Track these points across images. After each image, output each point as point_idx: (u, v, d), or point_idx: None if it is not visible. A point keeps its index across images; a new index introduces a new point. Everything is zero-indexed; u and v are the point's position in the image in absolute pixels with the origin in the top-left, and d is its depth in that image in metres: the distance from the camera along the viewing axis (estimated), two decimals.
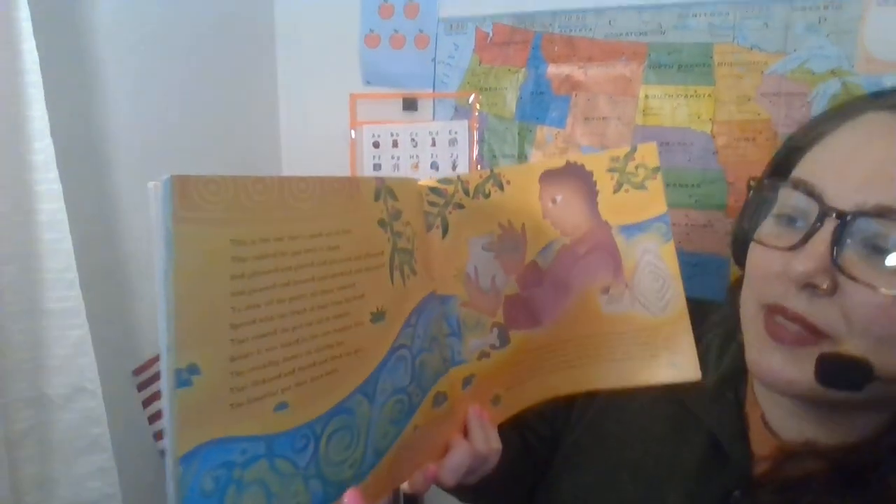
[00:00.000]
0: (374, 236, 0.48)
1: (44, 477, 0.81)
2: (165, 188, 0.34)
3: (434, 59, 1.15)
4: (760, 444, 0.58)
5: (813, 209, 0.49)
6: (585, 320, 0.60)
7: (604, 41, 1.06)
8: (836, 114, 0.55)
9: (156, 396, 1.02)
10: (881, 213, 0.46)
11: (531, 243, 0.60)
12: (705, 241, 1.03)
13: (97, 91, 0.91)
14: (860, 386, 0.47)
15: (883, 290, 0.46)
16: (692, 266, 0.99)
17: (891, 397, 0.50)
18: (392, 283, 0.49)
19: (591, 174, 0.59)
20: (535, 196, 0.60)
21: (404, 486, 0.53)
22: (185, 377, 0.35)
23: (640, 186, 0.59)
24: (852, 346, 0.48)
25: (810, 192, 0.50)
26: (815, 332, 0.49)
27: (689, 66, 1.02)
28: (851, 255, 0.48)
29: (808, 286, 0.49)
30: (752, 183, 0.57)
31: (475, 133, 1.14)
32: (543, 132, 1.11)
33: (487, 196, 0.59)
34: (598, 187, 0.59)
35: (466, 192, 0.59)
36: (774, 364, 0.52)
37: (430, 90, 1.16)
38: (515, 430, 0.69)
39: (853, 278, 0.47)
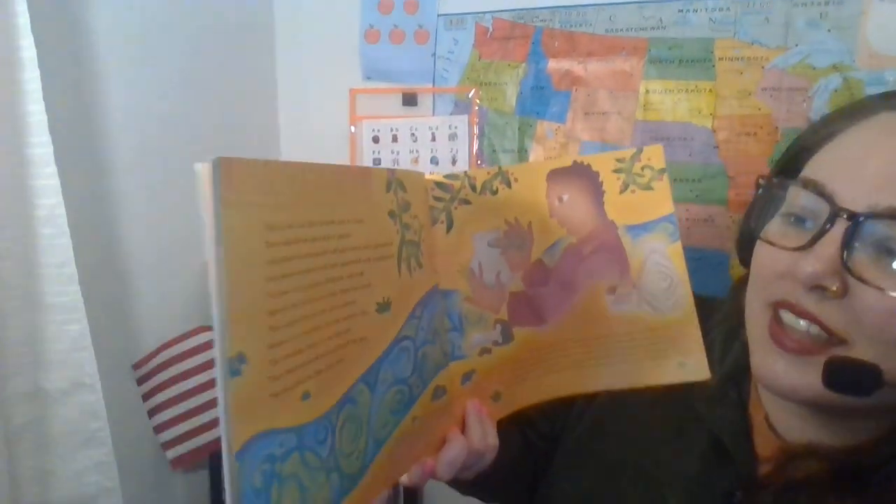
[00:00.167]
0: (384, 227, 0.48)
1: (43, 471, 0.81)
2: (215, 171, 0.33)
3: (434, 55, 1.15)
4: (764, 445, 0.58)
5: (823, 209, 0.49)
6: (591, 320, 0.60)
7: (604, 36, 1.06)
8: (847, 113, 0.54)
9: (156, 390, 1.02)
10: (894, 215, 0.45)
11: (537, 241, 0.60)
12: (706, 236, 1.03)
13: (95, 88, 0.91)
14: (869, 392, 0.46)
15: (894, 293, 0.45)
16: (693, 261, 0.98)
17: None
18: (399, 274, 0.49)
19: (597, 174, 0.59)
20: (543, 194, 0.59)
21: (403, 478, 0.53)
22: (235, 367, 0.34)
23: (647, 187, 0.58)
24: (861, 351, 0.47)
25: (821, 192, 0.49)
26: (826, 332, 0.48)
27: (689, 61, 1.01)
28: (862, 258, 0.47)
29: (817, 288, 0.48)
30: (761, 181, 0.56)
31: (475, 128, 1.14)
32: (544, 127, 1.11)
33: (495, 193, 0.59)
34: (604, 187, 0.59)
35: (473, 189, 0.59)
36: (778, 370, 0.51)
37: (430, 85, 1.16)
38: (516, 427, 0.69)
39: (864, 281, 0.46)
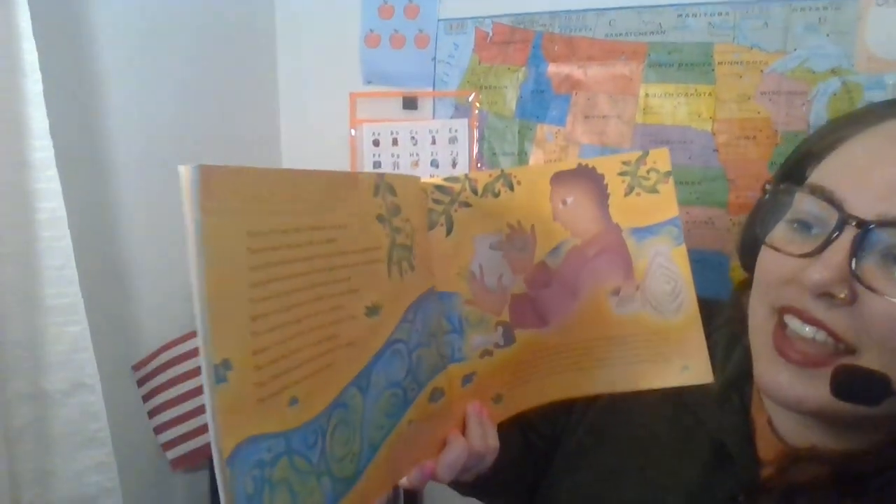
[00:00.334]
0: (372, 231, 0.48)
1: (43, 471, 0.81)
2: (194, 178, 0.33)
3: (434, 59, 1.16)
4: (766, 449, 0.58)
5: (831, 216, 0.48)
6: (595, 322, 0.60)
7: (604, 40, 1.06)
8: (853, 120, 0.53)
9: (156, 392, 1.02)
10: None
11: (540, 244, 0.60)
12: (706, 238, 1.03)
13: (96, 91, 0.92)
14: (878, 401, 0.46)
15: None
16: (693, 263, 0.98)
17: None
18: (389, 278, 0.49)
19: (602, 177, 0.59)
20: (546, 197, 0.59)
21: (402, 481, 0.53)
22: (221, 373, 0.34)
23: (652, 190, 0.58)
24: (868, 359, 0.47)
25: (830, 199, 0.48)
26: (833, 338, 0.48)
27: (689, 65, 1.02)
28: (870, 266, 0.46)
29: (825, 295, 0.47)
30: (766, 186, 0.56)
31: (475, 131, 1.15)
32: (544, 130, 1.11)
33: (497, 195, 0.59)
34: (609, 190, 0.59)
35: (475, 191, 0.59)
36: (782, 382, 0.51)
37: (430, 89, 1.16)
38: (517, 428, 0.69)
39: (872, 289, 0.45)
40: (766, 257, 0.54)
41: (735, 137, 1.00)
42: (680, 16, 1.01)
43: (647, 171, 0.58)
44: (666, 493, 0.60)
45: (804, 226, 0.51)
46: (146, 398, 1.03)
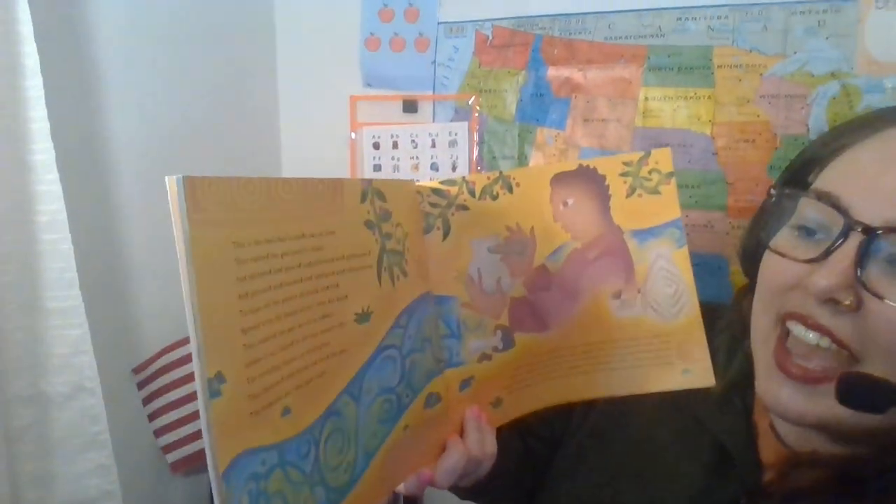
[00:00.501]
0: (360, 237, 0.48)
1: (43, 474, 0.81)
2: (180, 189, 0.33)
3: (434, 62, 1.16)
4: (768, 453, 0.58)
5: (836, 222, 0.48)
6: (595, 325, 0.59)
7: (603, 44, 1.06)
8: (859, 125, 0.53)
9: (156, 395, 1.02)
10: None
11: (540, 246, 0.59)
12: (705, 242, 1.03)
13: (97, 93, 0.92)
14: (884, 409, 0.45)
15: None
16: (692, 266, 0.99)
17: None
18: (379, 283, 0.49)
19: (603, 178, 0.58)
20: (546, 198, 0.59)
21: (399, 488, 0.53)
22: (215, 387, 0.34)
23: (654, 191, 0.58)
24: (873, 367, 0.47)
25: (836, 205, 0.48)
26: (836, 345, 0.48)
27: (688, 68, 1.02)
28: (876, 272, 0.46)
29: (830, 301, 0.47)
30: (771, 191, 0.56)
31: (475, 134, 1.15)
32: (543, 134, 1.11)
33: (495, 198, 0.58)
34: (610, 191, 0.58)
35: (472, 194, 0.58)
36: (783, 397, 0.51)
37: (430, 92, 1.17)
38: (516, 433, 0.69)
39: (878, 296, 0.45)
40: (770, 263, 0.54)
41: (734, 141, 1.00)
42: (679, 19, 1.01)
43: (649, 172, 0.58)
44: (666, 496, 0.60)
45: (808, 231, 0.51)
46: (146, 401, 1.03)
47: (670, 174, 0.58)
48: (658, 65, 1.03)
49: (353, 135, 1.20)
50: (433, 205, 0.57)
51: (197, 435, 1.04)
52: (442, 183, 0.58)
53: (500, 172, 0.59)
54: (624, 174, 0.58)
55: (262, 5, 1.25)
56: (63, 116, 0.80)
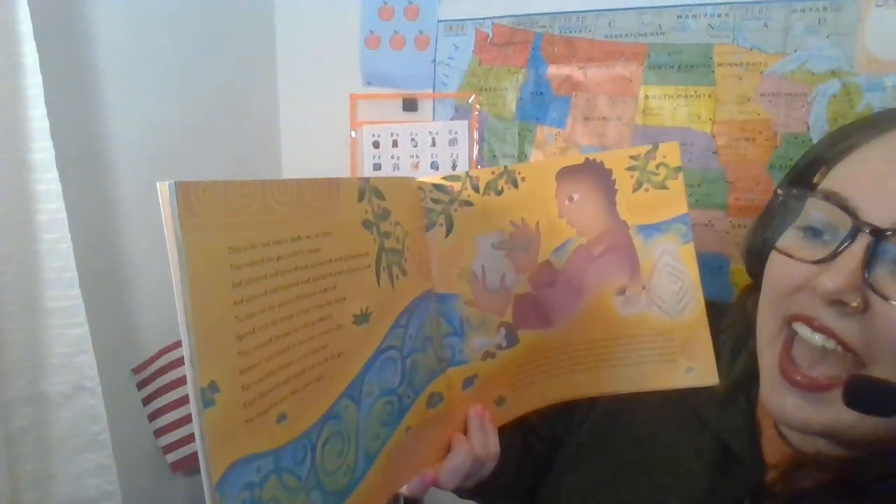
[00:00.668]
0: (357, 238, 0.47)
1: (43, 474, 0.81)
2: (172, 195, 0.33)
3: (434, 60, 1.16)
4: (772, 452, 0.57)
5: (844, 223, 0.48)
6: (600, 322, 0.59)
7: (604, 42, 1.06)
8: (867, 125, 0.53)
9: (156, 395, 1.02)
10: None
11: (545, 242, 0.58)
12: (706, 240, 1.02)
13: (97, 92, 0.92)
14: (890, 413, 0.45)
15: None
16: None
17: None
18: (378, 284, 0.48)
19: (609, 172, 0.58)
20: (552, 193, 0.58)
21: (403, 489, 0.53)
22: (209, 397, 0.34)
23: (661, 186, 0.57)
24: (879, 370, 0.47)
25: (844, 206, 0.48)
26: (842, 347, 0.48)
27: (689, 66, 1.01)
28: (884, 274, 0.46)
29: (837, 302, 0.47)
30: (778, 192, 0.55)
31: (475, 133, 1.14)
32: (544, 132, 1.11)
33: (500, 193, 0.58)
34: (616, 186, 0.58)
35: (476, 189, 0.57)
36: (787, 406, 0.51)
37: (430, 91, 1.16)
38: (517, 431, 0.68)
39: (886, 297, 0.45)
40: (776, 263, 0.53)
41: (734, 139, 1.00)
42: (680, 17, 1.01)
43: (657, 166, 0.57)
44: (669, 494, 0.59)
45: (814, 232, 0.51)
46: (146, 401, 1.02)
47: (678, 169, 0.57)
48: (658, 63, 1.03)
49: (352, 133, 1.20)
50: (436, 201, 0.56)
51: None
52: (445, 178, 0.57)
53: (506, 167, 0.58)
54: (631, 168, 0.57)
55: (261, 4, 1.24)
56: (62, 115, 0.80)
